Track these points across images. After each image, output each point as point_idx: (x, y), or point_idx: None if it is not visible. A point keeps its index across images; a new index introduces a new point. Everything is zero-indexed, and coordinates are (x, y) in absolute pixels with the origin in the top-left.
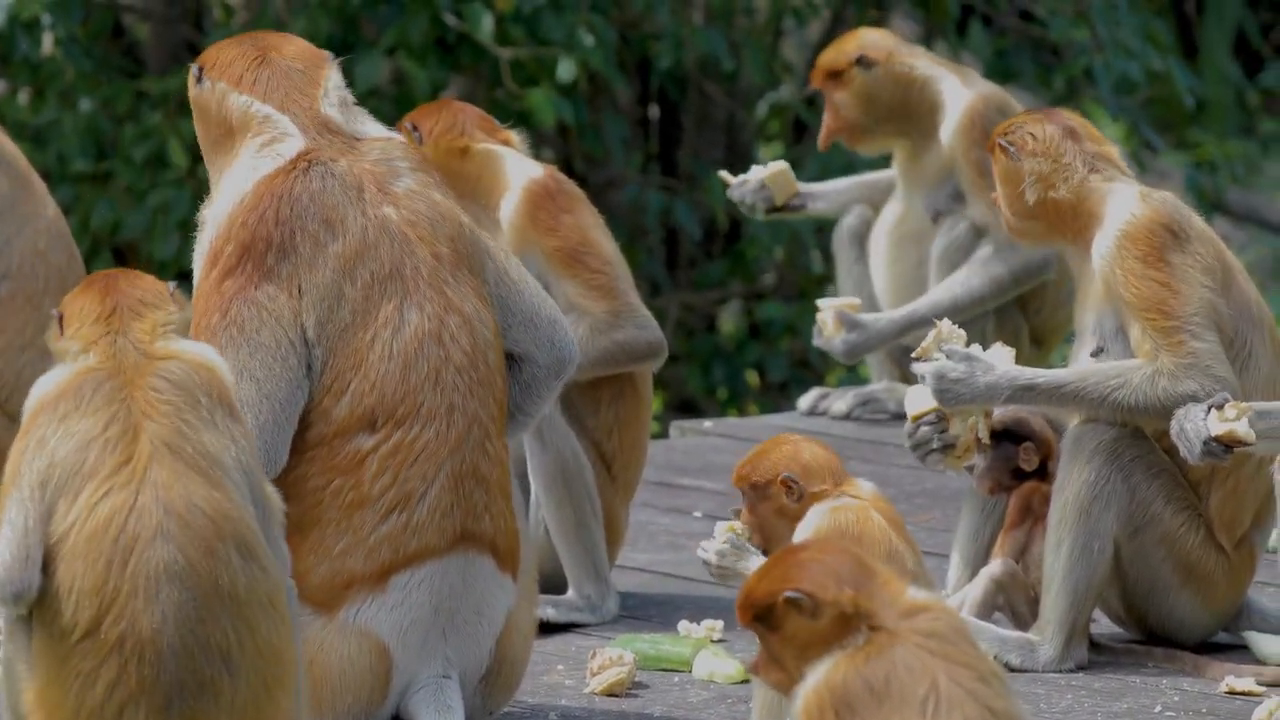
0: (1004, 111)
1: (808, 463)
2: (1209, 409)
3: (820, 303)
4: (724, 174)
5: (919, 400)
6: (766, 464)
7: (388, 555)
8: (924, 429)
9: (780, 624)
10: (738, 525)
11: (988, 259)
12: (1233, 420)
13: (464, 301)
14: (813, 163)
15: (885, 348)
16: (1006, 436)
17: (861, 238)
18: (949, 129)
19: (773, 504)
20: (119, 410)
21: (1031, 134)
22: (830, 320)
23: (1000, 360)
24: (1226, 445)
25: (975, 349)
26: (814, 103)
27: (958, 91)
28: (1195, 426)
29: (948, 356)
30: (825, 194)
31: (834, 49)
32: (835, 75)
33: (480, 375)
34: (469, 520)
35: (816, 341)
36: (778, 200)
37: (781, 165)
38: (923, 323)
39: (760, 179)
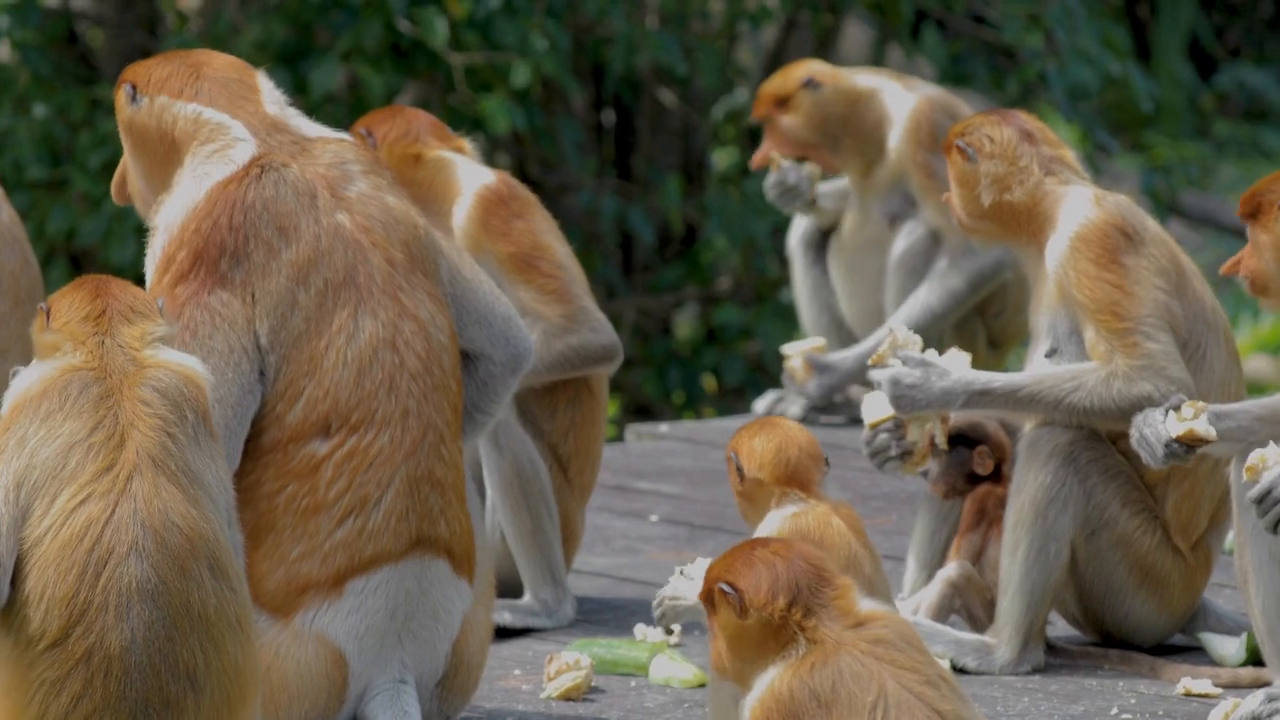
0: (950, 113)
1: (758, 450)
2: (1166, 411)
3: (786, 349)
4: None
5: (876, 407)
6: (733, 439)
7: (343, 561)
8: (882, 436)
9: (717, 610)
10: (687, 568)
11: (944, 273)
12: (1191, 420)
13: (418, 307)
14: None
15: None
16: (961, 441)
17: (814, 243)
18: (896, 135)
19: (733, 481)
20: (106, 416)
21: (989, 136)
22: (799, 366)
23: (956, 365)
24: (1188, 445)
25: (931, 354)
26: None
27: (901, 98)
28: (1155, 430)
29: (903, 363)
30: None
31: (776, 79)
32: (783, 101)
33: (435, 380)
34: (425, 525)
35: (789, 387)
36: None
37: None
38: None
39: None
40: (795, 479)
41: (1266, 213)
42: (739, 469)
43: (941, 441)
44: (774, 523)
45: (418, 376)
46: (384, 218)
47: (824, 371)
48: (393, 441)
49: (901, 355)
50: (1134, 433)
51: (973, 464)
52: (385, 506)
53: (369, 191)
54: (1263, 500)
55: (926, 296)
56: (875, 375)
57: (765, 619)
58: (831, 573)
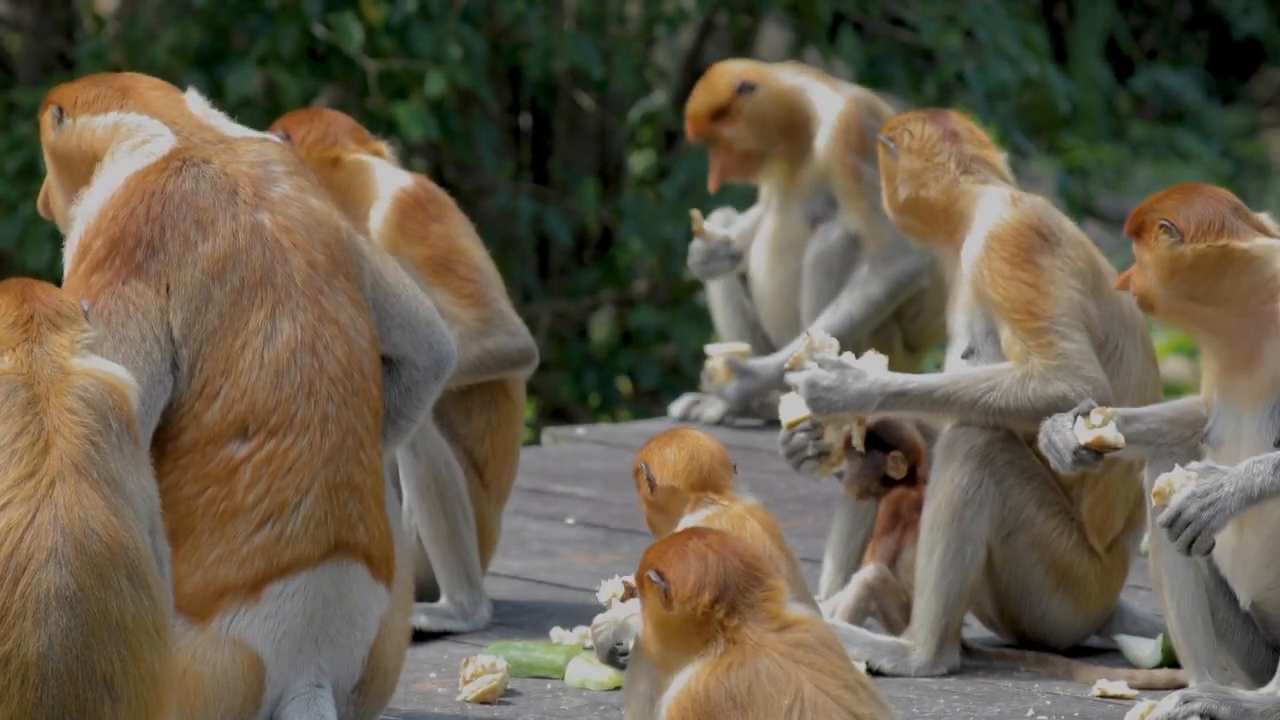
0: (875, 114)
1: (670, 459)
2: (1075, 417)
3: (709, 349)
4: (695, 214)
5: (793, 408)
6: (639, 454)
7: (261, 565)
8: (798, 437)
9: (646, 595)
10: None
11: (864, 281)
12: (1099, 426)
13: (339, 310)
14: (682, 171)
15: (776, 389)
16: (876, 444)
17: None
18: (824, 137)
19: (640, 492)
20: (32, 422)
21: (910, 132)
22: (720, 368)
23: (872, 368)
24: (1096, 452)
25: (848, 357)
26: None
27: (829, 99)
28: (1063, 437)
29: (819, 365)
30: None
31: (703, 94)
32: (720, 113)
33: (355, 385)
34: (343, 530)
35: (707, 388)
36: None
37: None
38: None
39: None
40: (710, 484)
41: (1149, 231)
42: (650, 479)
43: (858, 443)
44: (689, 525)
45: (337, 381)
46: (306, 219)
47: (744, 376)
48: (311, 446)
49: (818, 358)
50: (1043, 438)
51: (886, 467)
52: (304, 512)
53: (292, 193)
54: (1173, 524)
55: (847, 305)
56: (792, 378)
57: (689, 613)
58: (765, 573)
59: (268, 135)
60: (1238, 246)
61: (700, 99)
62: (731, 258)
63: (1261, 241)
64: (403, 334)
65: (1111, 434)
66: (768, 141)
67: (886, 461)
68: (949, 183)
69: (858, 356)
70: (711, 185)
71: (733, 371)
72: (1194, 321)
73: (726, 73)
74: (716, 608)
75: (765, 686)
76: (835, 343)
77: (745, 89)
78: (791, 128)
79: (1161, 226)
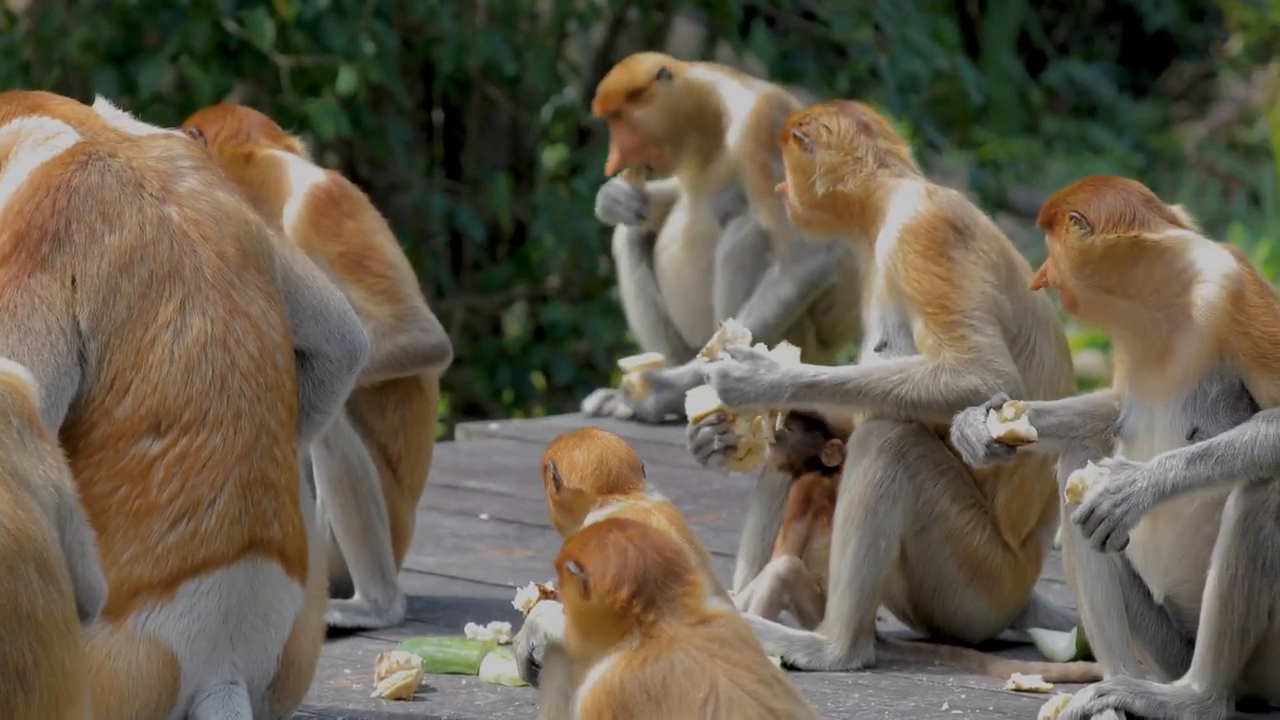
0: (786, 110)
1: (579, 462)
2: (988, 411)
3: (624, 364)
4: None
5: (700, 402)
6: (548, 451)
7: (176, 563)
8: (705, 430)
9: (565, 585)
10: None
11: (776, 282)
12: (1012, 420)
13: (250, 304)
14: (594, 166)
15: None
16: (819, 427)
17: (640, 241)
18: (735, 133)
19: (547, 489)
20: None
21: (826, 126)
22: (637, 383)
23: (784, 359)
24: (1009, 445)
25: (760, 348)
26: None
27: (740, 95)
28: (976, 430)
29: (732, 356)
30: None
31: (621, 73)
32: (635, 94)
33: (268, 379)
34: (257, 528)
35: (625, 404)
36: None
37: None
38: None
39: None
40: (616, 488)
41: (1060, 223)
42: (556, 479)
43: (768, 434)
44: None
45: (249, 376)
46: (214, 213)
47: (661, 388)
48: (225, 443)
49: (730, 349)
50: (955, 432)
51: (820, 452)
52: (218, 509)
53: (199, 187)
54: (1086, 520)
55: (760, 308)
56: (704, 368)
57: (606, 606)
58: (684, 568)
59: (174, 131)
60: (1148, 238)
61: (617, 77)
62: (637, 211)
63: (1173, 233)
64: (315, 325)
65: (1024, 427)
66: (674, 131)
67: (824, 446)
68: (866, 176)
69: (770, 349)
70: (609, 165)
71: (649, 385)
72: (1107, 314)
73: (647, 58)
74: (634, 602)
75: (680, 680)
76: (748, 334)
77: (664, 75)
78: (701, 122)
79: (1072, 218)
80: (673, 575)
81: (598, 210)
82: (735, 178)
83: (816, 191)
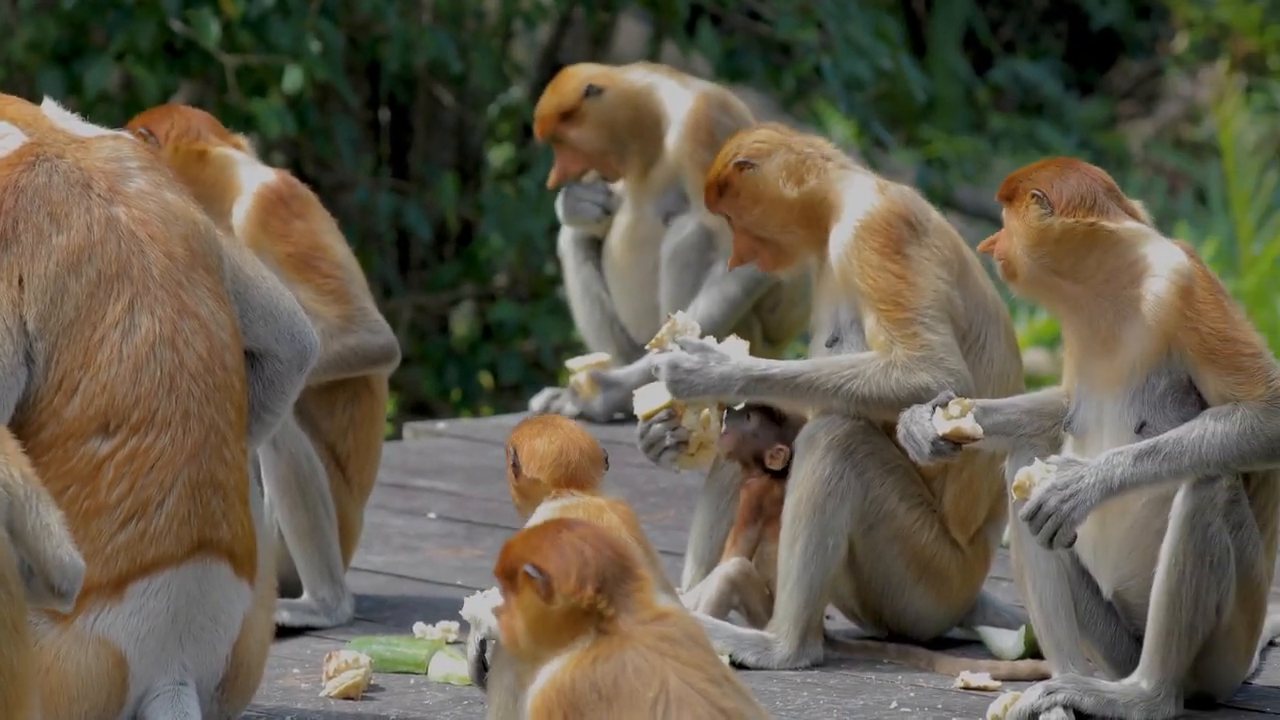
0: (725, 108)
1: (539, 451)
2: (933, 409)
3: (570, 364)
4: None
5: (649, 399)
6: (512, 434)
7: (125, 564)
8: (656, 427)
9: (519, 591)
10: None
11: (721, 281)
12: (958, 418)
13: (199, 304)
14: (541, 165)
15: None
16: (773, 426)
17: (585, 241)
18: (675, 135)
19: (509, 474)
20: None
21: (759, 140)
22: (584, 382)
23: (735, 352)
24: (954, 443)
25: (709, 341)
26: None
27: (678, 95)
28: (922, 428)
29: (681, 348)
30: None
31: (552, 96)
32: (567, 115)
33: (217, 380)
34: (206, 528)
35: (572, 403)
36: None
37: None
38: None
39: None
40: (574, 481)
41: (1020, 199)
42: (515, 465)
43: (717, 428)
44: (544, 514)
45: (198, 376)
46: (163, 213)
47: (609, 388)
48: (174, 443)
49: (680, 340)
50: (901, 429)
51: (766, 456)
52: (167, 510)
53: (147, 188)
54: (1033, 517)
55: (706, 306)
56: (654, 359)
57: (572, 606)
58: (634, 563)
59: (121, 132)
60: (1106, 226)
61: (548, 101)
62: (603, 205)
63: (1130, 225)
64: (264, 325)
65: (969, 425)
66: (615, 143)
67: (773, 446)
68: (820, 170)
69: (719, 341)
70: (551, 181)
71: (596, 384)
72: (1053, 295)
73: (575, 76)
74: (599, 598)
75: (631, 679)
76: (697, 326)
77: (592, 92)
78: (641, 128)
79: (1034, 196)
80: (626, 571)
81: (563, 215)
82: (677, 179)
83: (788, 197)
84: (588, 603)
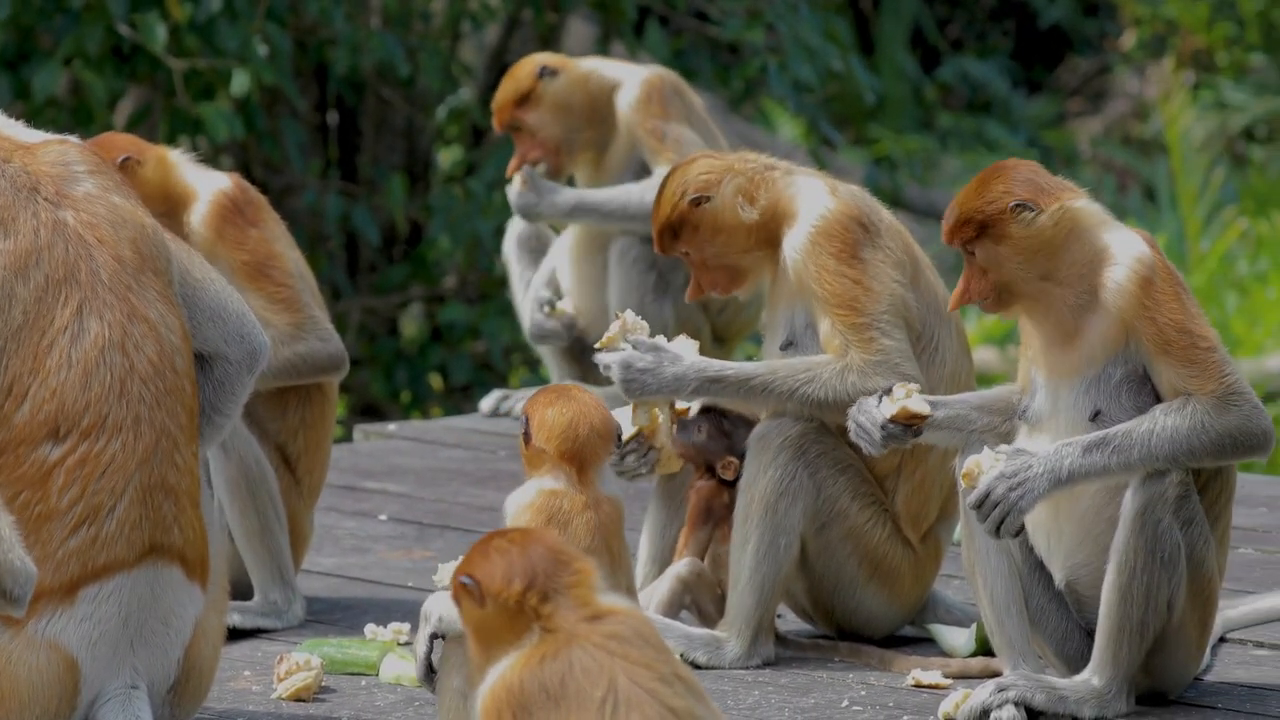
0: (678, 89)
1: (549, 420)
2: (880, 398)
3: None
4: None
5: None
6: (529, 401)
7: (76, 569)
8: (630, 458)
9: (461, 604)
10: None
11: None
12: (903, 399)
13: (148, 307)
14: (489, 166)
15: (559, 219)
16: (723, 437)
17: (530, 243)
18: (626, 103)
19: (520, 440)
20: None
21: (704, 173)
22: (518, 181)
23: (687, 351)
24: (905, 424)
25: (660, 340)
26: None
27: (632, 70)
28: (869, 415)
29: (634, 347)
30: None
31: (508, 83)
32: (524, 100)
33: (168, 384)
34: (158, 533)
35: (512, 199)
36: None
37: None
38: (590, 210)
39: None
40: (578, 458)
41: (998, 224)
42: (526, 433)
43: (668, 428)
44: (529, 493)
45: (149, 380)
46: (111, 216)
47: (534, 188)
48: (125, 448)
49: (632, 339)
50: (851, 424)
51: (718, 466)
52: (119, 515)
53: (95, 191)
54: (981, 505)
55: (619, 190)
56: (604, 358)
57: (502, 605)
58: (571, 558)
59: (67, 137)
60: (1071, 205)
61: (505, 88)
62: (571, 336)
63: (1090, 205)
64: (214, 327)
65: (916, 403)
66: (571, 128)
67: (723, 457)
68: (769, 182)
69: (669, 340)
70: (510, 169)
71: (527, 183)
72: (1040, 304)
73: (529, 61)
74: (529, 595)
75: (578, 678)
76: (646, 325)
77: (546, 73)
78: (595, 111)
79: (1015, 207)
80: (560, 565)
81: (515, 207)
82: (632, 155)
83: (747, 219)
84: (515, 599)
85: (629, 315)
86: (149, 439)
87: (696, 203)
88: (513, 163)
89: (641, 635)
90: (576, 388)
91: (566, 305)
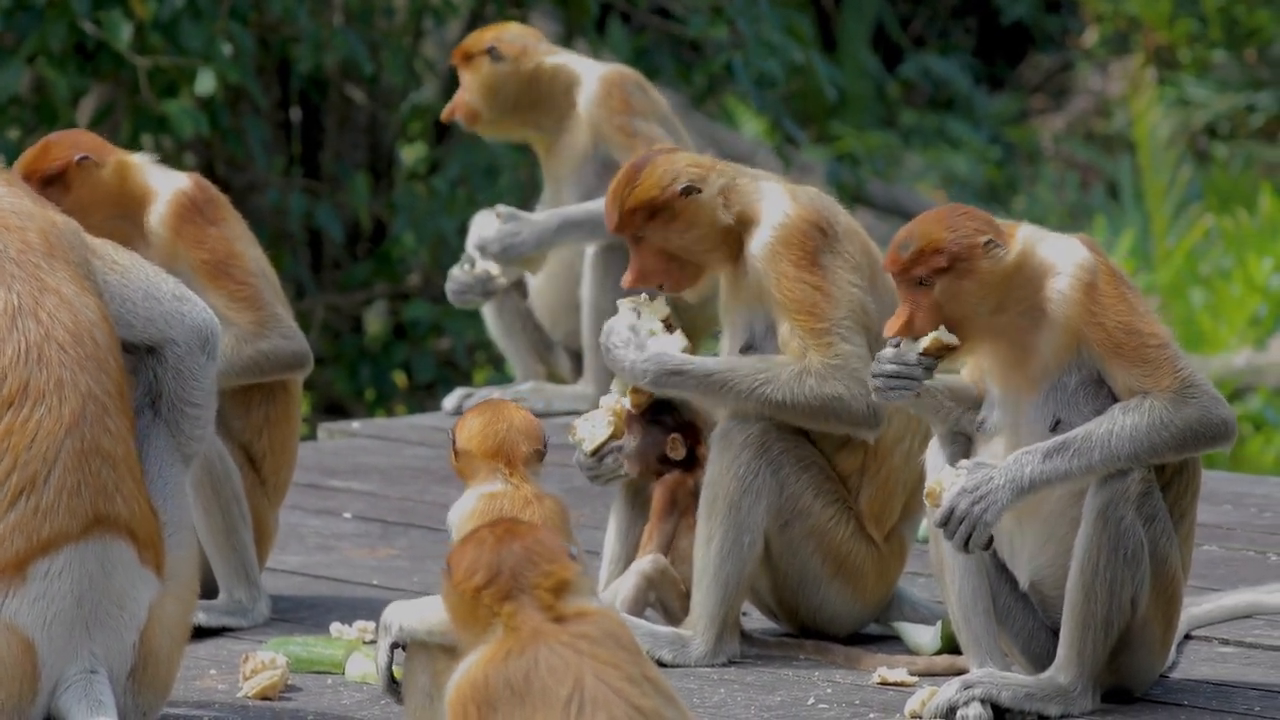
0: (641, 86)
1: (468, 421)
2: (896, 344)
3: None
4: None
5: (594, 431)
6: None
7: (21, 543)
8: (608, 462)
9: (441, 584)
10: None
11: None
12: (927, 339)
13: (60, 284)
14: (453, 164)
15: (546, 244)
16: (657, 425)
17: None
18: (588, 100)
19: (450, 458)
20: None
21: (694, 166)
22: (489, 220)
23: (660, 343)
24: (936, 355)
25: (640, 325)
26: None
27: (591, 67)
28: (900, 360)
29: (613, 328)
30: None
31: (477, 33)
32: (468, 58)
33: (88, 350)
34: (100, 500)
35: (470, 242)
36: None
37: None
38: (575, 224)
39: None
40: (503, 452)
41: (970, 256)
42: (452, 442)
43: (630, 408)
44: (469, 500)
45: (67, 346)
46: (17, 208)
47: (511, 219)
48: (51, 413)
49: (630, 308)
50: (876, 381)
51: (665, 448)
52: (54, 482)
53: (3, 191)
54: (947, 522)
55: (593, 204)
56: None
57: (460, 595)
58: (547, 557)
59: None
60: (1022, 236)
61: (470, 37)
62: (486, 293)
63: (1025, 230)
64: (149, 307)
65: (945, 335)
66: (496, 110)
67: (666, 442)
68: (742, 188)
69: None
70: (444, 114)
71: (500, 216)
72: (991, 335)
73: (498, 32)
74: (484, 591)
75: (544, 676)
76: (666, 310)
77: (493, 54)
78: (538, 104)
79: (987, 244)
80: (531, 564)
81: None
82: (593, 150)
83: (722, 223)
84: (472, 592)
85: (661, 299)
86: (74, 403)
87: (686, 192)
88: (448, 109)
89: (613, 636)
90: (504, 402)
91: (491, 268)
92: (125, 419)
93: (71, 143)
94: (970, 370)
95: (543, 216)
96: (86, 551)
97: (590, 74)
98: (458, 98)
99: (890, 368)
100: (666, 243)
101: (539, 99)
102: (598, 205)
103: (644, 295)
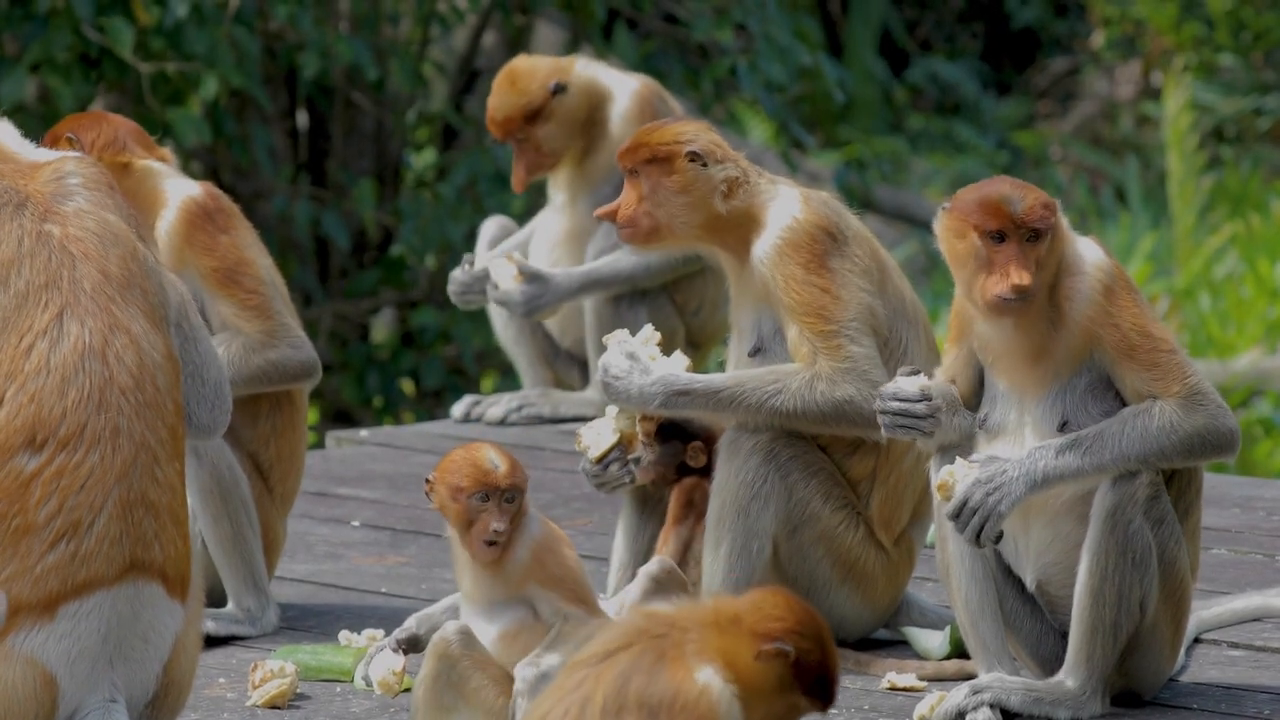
0: (663, 98)
1: (442, 463)
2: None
3: (495, 259)
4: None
5: (599, 439)
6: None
7: (55, 585)
8: (613, 469)
9: None
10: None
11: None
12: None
13: (131, 321)
14: (460, 170)
15: (569, 300)
16: (675, 434)
17: (497, 244)
18: (620, 116)
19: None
20: None
21: (714, 142)
22: (509, 272)
23: (665, 365)
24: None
25: (639, 349)
26: (461, 108)
27: (621, 81)
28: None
29: (614, 350)
30: None
31: (514, 96)
32: (534, 115)
33: (147, 397)
34: (138, 549)
35: (492, 295)
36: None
37: None
38: (600, 283)
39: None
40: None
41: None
42: (433, 491)
43: (643, 437)
44: None
45: (128, 392)
46: (100, 232)
47: (534, 280)
48: (104, 461)
49: (619, 340)
50: (887, 419)
51: (686, 456)
52: (98, 531)
53: (86, 207)
54: (959, 513)
55: (616, 259)
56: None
57: None
58: None
59: (68, 154)
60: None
61: (511, 100)
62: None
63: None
64: (190, 385)
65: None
66: (572, 137)
67: (685, 451)
68: (754, 185)
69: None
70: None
71: (522, 275)
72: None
73: (534, 72)
74: None
75: None
76: (658, 335)
77: (559, 89)
78: (591, 122)
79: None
80: None
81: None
82: (613, 169)
83: (716, 208)
84: None
85: (647, 328)
86: (127, 452)
87: (693, 157)
88: (517, 175)
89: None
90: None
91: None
92: (176, 463)
93: (131, 133)
94: (945, 370)
95: (565, 277)
96: (119, 595)
97: (622, 90)
98: (530, 163)
99: (894, 405)
100: (654, 193)
101: (591, 117)
102: (622, 264)
103: (625, 332)
